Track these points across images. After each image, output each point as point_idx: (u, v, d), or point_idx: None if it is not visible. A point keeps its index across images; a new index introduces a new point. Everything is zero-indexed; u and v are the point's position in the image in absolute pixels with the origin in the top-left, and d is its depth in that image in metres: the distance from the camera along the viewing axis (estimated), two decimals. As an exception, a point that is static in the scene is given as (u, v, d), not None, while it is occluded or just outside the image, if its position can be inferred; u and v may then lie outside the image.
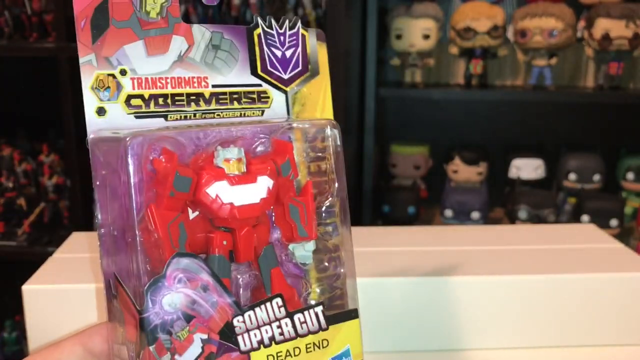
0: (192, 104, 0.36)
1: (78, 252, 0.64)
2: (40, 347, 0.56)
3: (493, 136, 1.72)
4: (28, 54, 1.53)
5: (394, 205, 1.56)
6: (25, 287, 0.56)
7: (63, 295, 0.56)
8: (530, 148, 1.64)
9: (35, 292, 0.56)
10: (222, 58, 0.37)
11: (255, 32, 0.38)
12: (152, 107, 0.35)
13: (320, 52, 0.41)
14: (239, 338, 0.33)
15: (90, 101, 0.34)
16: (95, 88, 0.34)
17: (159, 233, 0.32)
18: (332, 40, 1.16)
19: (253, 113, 0.38)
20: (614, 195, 1.56)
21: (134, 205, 0.32)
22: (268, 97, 0.39)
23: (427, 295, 0.60)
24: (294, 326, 0.35)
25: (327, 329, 0.36)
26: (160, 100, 0.35)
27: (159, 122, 0.35)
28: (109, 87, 0.34)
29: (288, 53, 0.39)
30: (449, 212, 1.54)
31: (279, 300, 0.34)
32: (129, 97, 0.34)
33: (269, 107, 0.39)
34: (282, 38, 0.39)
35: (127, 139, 0.32)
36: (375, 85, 1.45)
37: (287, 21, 0.39)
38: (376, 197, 1.56)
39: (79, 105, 1.52)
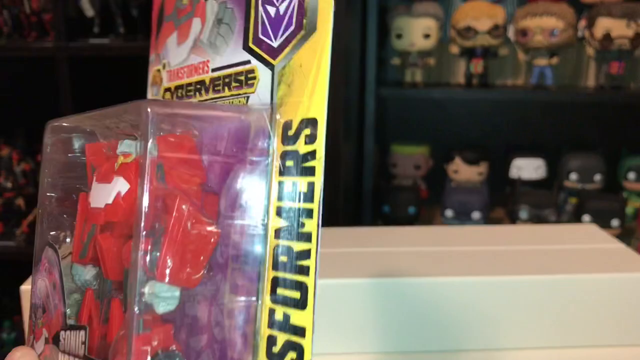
0: (197, 93, 0.32)
1: (76, 253, 0.63)
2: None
3: (494, 136, 1.71)
4: (27, 54, 1.53)
5: (394, 205, 1.56)
6: (24, 287, 0.56)
7: (60, 296, 0.56)
8: (531, 148, 1.64)
9: (32, 292, 0.56)
10: (222, 34, 0.31)
11: None
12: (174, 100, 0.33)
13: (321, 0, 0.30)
14: (60, 355, 0.28)
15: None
16: (153, 85, 0.33)
17: (76, 221, 0.29)
18: (332, 40, 1.15)
19: (239, 101, 0.30)
20: (615, 195, 1.55)
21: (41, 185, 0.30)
22: (254, 78, 0.30)
23: (427, 296, 0.59)
24: None
25: None
26: (179, 92, 0.33)
27: None
28: (157, 83, 0.33)
29: (282, 7, 0.29)
30: (449, 212, 1.54)
31: (82, 333, 0.27)
32: (165, 91, 0.33)
33: (253, 92, 0.30)
34: None
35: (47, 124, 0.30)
36: (375, 85, 1.44)
37: None
38: (376, 197, 1.56)
39: (79, 105, 1.52)
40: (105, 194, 0.27)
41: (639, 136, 1.65)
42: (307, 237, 0.27)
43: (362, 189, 1.51)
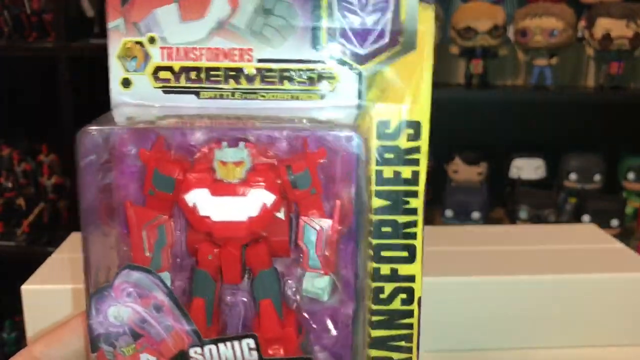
0: (231, 80, 0.31)
1: (77, 252, 0.63)
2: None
3: (493, 136, 1.71)
4: (27, 54, 1.53)
5: (394, 205, 1.56)
6: (24, 287, 0.56)
7: (62, 295, 0.56)
8: (530, 148, 1.64)
9: (34, 292, 0.56)
10: (274, 26, 0.30)
11: None
12: (183, 82, 0.31)
13: (422, 19, 0.31)
14: None
15: (115, 71, 0.30)
16: (122, 57, 0.30)
17: (130, 232, 0.29)
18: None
19: (309, 97, 0.31)
20: (614, 196, 1.55)
21: (116, 200, 0.29)
22: (333, 78, 0.31)
23: (426, 296, 0.59)
24: None
25: None
26: (193, 75, 0.31)
27: (190, 99, 0.31)
28: (135, 56, 0.30)
29: (370, 20, 0.30)
30: (449, 212, 1.54)
31: (250, 341, 0.29)
32: (157, 69, 0.31)
33: (332, 91, 0.31)
34: (364, 0, 0.30)
35: (122, 133, 0.29)
36: (376, 85, 1.44)
37: None
38: (376, 197, 1.55)
39: (79, 104, 1.52)
40: (239, 207, 0.28)
41: (639, 136, 1.65)
42: (412, 212, 0.34)
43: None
